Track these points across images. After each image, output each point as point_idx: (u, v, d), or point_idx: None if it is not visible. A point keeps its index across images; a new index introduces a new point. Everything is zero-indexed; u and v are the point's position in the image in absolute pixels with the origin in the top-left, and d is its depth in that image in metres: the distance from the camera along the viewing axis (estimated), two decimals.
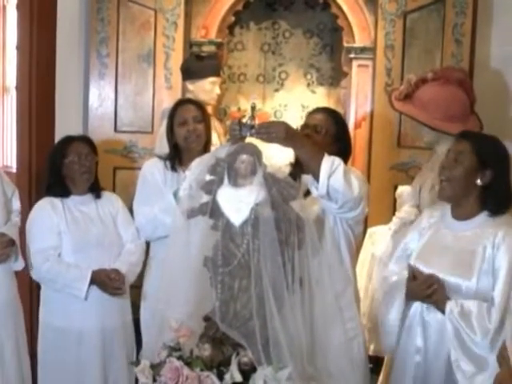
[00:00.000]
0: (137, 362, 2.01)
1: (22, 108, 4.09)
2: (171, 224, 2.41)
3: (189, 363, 1.92)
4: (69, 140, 3.05)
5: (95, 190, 3.09)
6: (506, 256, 2.26)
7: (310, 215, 2.15)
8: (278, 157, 2.28)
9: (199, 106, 3.17)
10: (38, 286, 3.16)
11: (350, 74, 4.09)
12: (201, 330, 2.02)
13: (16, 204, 3.21)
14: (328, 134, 2.51)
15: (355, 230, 2.49)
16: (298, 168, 2.39)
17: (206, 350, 1.93)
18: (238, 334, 1.95)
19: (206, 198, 2.07)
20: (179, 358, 1.94)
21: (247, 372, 1.91)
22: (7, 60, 5.29)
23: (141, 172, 3.18)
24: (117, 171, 4.01)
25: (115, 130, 4.05)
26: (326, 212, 2.40)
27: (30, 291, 3.71)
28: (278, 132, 2.20)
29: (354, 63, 4.03)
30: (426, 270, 2.39)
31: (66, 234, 2.94)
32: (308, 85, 4.64)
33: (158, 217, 2.94)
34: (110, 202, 3.12)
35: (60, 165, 3.00)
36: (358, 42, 3.99)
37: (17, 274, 3.17)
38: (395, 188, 3.60)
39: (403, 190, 3.44)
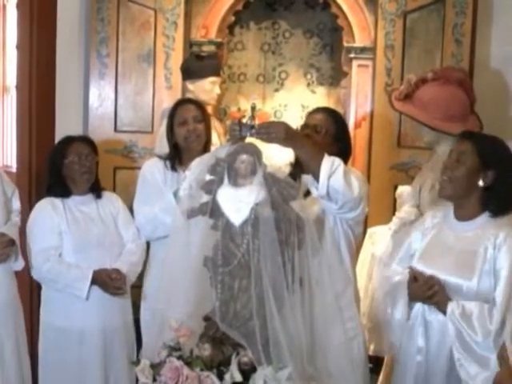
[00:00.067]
0: (137, 362, 2.02)
1: (22, 107, 4.09)
2: (171, 224, 2.41)
3: (189, 363, 1.92)
4: (69, 140, 3.06)
5: (96, 190, 3.09)
6: (507, 257, 2.26)
7: (310, 215, 2.15)
8: (278, 157, 2.28)
9: (199, 105, 3.17)
10: (39, 286, 3.17)
11: (349, 73, 4.09)
12: (201, 330, 2.02)
13: (16, 204, 3.21)
14: (328, 134, 2.51)
15: (355, 230, 2.49)
16: (297, 168, 2.39)
17: (206, 350, 1.93)
18: (237, 334, 1.95)
19: (205, 198, 2.07)
20: (179, 357, 1.94)
21: (247, 372, 1.90)
22: (7, 59, 5.29)
23: (141, 172, 3.18)
24: (117, 171, 4.01)
25: (115, 129, 4.05)
26: (325, 212, 2.40)
27: (30, 291, 3.70)
28: (277, 132, 2.20)
29: (354, 63, 4.03)
30: (427, 270, 2.39)
31: (66, 234, 2.95)
32: (308, 85, 4.64)
33: (158, 216, 2.94)
34: (111, 201, 3.12)
35: (60, 165, 3.00)
36: (358, 42, 4.00)
37: (17, 273, 3.17)
38: (395, 188, 3.60)
39: (403, 190, 3.44)
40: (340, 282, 2.26)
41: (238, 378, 1.89)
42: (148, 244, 3.13)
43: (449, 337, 2.30)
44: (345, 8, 3.99)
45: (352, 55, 4.03)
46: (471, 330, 2.24)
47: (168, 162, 3.08)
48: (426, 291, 2.34)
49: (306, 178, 2.32)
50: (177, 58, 3.97)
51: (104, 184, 3.21)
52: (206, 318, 2.03)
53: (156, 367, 1.96)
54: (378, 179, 3.83)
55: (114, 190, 3.73)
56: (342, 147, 2.53)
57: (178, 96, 3.84)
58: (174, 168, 3.07)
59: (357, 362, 2.40)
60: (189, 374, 1.88)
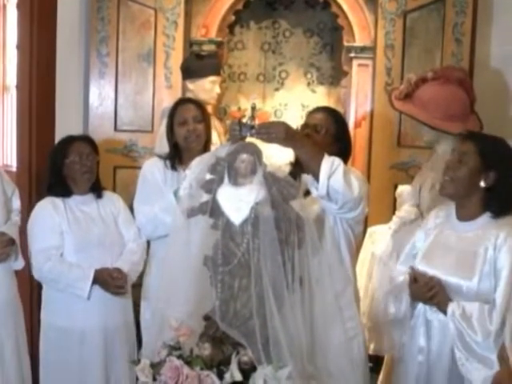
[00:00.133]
0: (137, 361, 2.02)
1: (23, 107, 4.09)
2: (171, 223, 2.41)
3: (189, 362, 1.92)
4: (70, 140, 3.05)
5: (96, 189, 3.08)
6: (507, 257, 2.25)
7: (310, 214, 2.15)
8: (278, 156, 2.29)
9: (199, 105, 3.16)
10: (39, 286, 3.17)
11: (350, 73, 4.09)
12: (201, 329, 2.02)
13: (16, 203, 3.21)
14: (328, 134, 2.51)
15: (355, 230, 2.49)
16: (297, 167, 2.39)
17: (206, 349, 1.93)
18: (237, 333, 1.95)
19: (206, 197, 2.07)
20: (179, 357, 1.94)
21: (247, 371, 1.91)
22: (7, 59, 5.28)
23: (141, 171, 3.17)
24: (117, 170, 4.01)
25: (115, 129, 4.05)
26: (325, 211, 2.40)
27: (30, 291, 3.71)
28: (277, 132, 2.20)
29: (354, 62, 4.04)
30: (429, 270, 2.38)
31: (67, 234, 2.94)
32: (308, 84, 4.64)
33: (159, 216, 2.94)
34: (112, 201, 3.12)
35: (61, 165, 2.99)
36: (358, 42, 4.00)
37: (17, 273, 3.17)
38: (395, 187, 3.60)
39: (403, 190, 3.45)
40: (340, 282, 2.26)
41: (238, 377, 1.89)
42: (148, 243, 3.13)
43: (450, 336, 2.30)
44: (345, 7, 3.99)
45: (352, 54, 4.03)
46: (471, 331, 2.24)
47: (168, 162, 3.08)
48: (427, 292, 2.34)
49: (306, 178, 2.32)
50: (177, 58, 3.98)
51: (104, 183, 3.21)
52: (206, 318, 2.04)
53: (156, 366, 1.96)
54: (377, 179, 3.83)
55: (114, 189, 3.74)
56: (342, 147, 2.53)
57: (178, 95, 3.84)
58: (174, 167, 3.07)
59: (357, 361, 2.40)
60: (189, 374, 1.88)
